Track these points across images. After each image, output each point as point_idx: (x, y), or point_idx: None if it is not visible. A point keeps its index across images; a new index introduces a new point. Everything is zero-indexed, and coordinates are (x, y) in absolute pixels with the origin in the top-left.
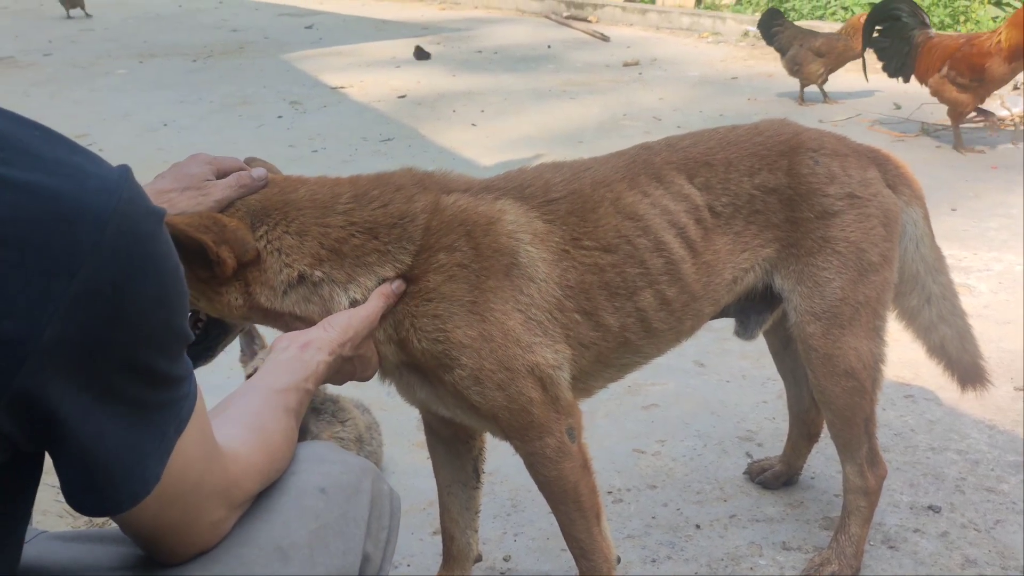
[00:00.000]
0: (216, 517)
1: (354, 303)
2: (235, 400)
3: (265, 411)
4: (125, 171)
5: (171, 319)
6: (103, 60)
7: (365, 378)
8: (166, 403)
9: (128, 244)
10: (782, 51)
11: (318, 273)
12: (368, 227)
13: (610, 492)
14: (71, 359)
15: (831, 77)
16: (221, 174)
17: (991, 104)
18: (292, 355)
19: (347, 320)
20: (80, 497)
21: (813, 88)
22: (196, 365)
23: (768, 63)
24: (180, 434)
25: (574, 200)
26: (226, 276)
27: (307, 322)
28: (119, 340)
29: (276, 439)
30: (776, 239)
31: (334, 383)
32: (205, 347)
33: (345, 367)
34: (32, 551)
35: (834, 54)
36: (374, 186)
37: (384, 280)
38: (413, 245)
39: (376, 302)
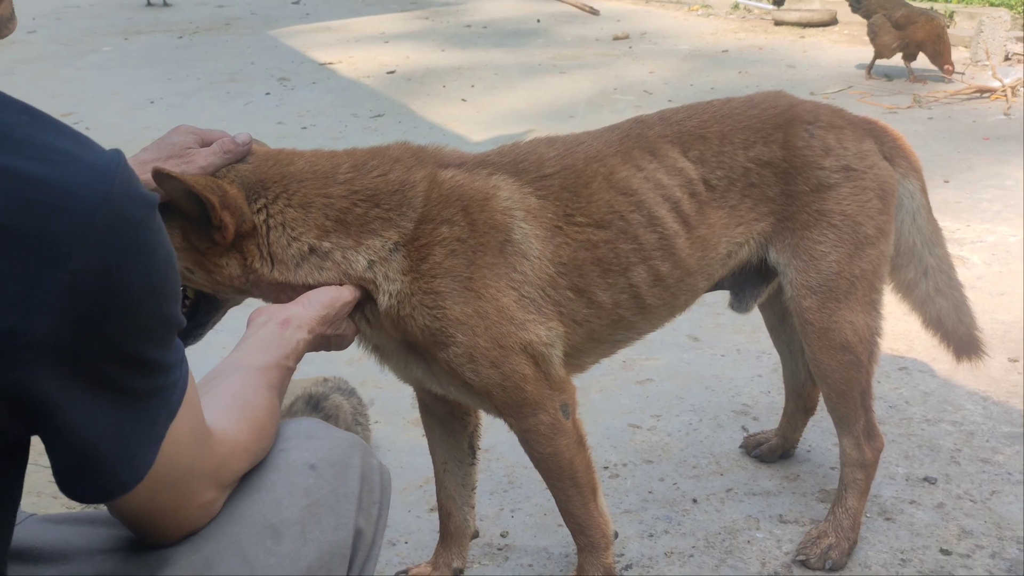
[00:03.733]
0: (206, 499)
1: (371, 264)
2: (217, 379)
3: (248, 389)
4: (117, 156)
5: (162, 307)
6: (88, 37)
7: (341, 349)
8: (156, 390)
9: (119, 232)
10: (866, 15)
11: (327, 244)
12: (370, 195)
13: (606, 467)
14: (62, 349)
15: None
16: (205, 144)
17: (984, 76)
18: (271, 332)
19: (329, 298)
20: (71, 484)
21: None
22: (185, 344)
23: (758, 36)
24: (172, 420)
25: (567, 175)
26: (227, 244)
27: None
28: (110, 330)
29: (261, 416)
30: (771, 213)
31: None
32: (195, 325)
33: (323, 344)
34: (22, 533)
35: (911, 30)
36: (371, 157)
37: (391, 244)
38: (414, 212)
39: (354, 287)
